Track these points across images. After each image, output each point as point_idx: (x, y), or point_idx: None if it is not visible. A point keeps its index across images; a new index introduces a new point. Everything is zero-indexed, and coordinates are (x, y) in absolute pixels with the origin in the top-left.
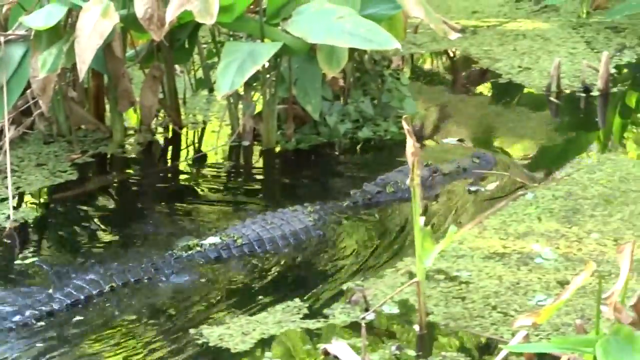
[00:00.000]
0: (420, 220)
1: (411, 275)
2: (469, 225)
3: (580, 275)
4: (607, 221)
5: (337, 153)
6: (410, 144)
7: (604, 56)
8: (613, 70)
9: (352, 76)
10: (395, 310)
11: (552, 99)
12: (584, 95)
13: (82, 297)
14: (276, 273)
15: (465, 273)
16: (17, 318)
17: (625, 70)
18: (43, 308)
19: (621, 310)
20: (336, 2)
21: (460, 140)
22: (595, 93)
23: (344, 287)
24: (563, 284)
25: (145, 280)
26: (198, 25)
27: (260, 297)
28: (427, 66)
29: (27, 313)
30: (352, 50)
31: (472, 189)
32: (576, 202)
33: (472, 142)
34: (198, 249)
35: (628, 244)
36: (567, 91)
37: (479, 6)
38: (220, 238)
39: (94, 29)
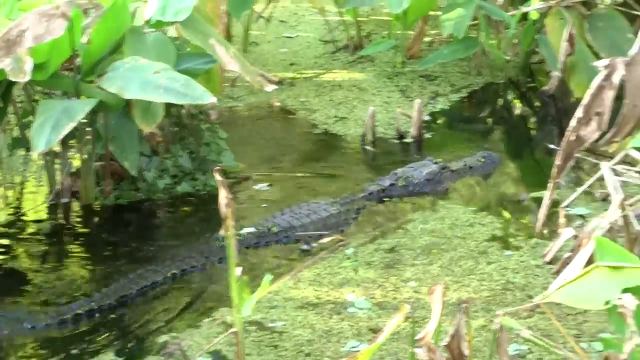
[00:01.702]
0: (236, 271)
1: (226, 325)
2: (286, 277)
3: (394, 319)
4: (427, 269)
5: (156, 209)
6: (223, 195)
7: (417, 104)
8: (427, 118)
9: (169, 131)
10: None
11: (367, 147)
12: (398, 142)
13: (149, 283)
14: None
15: (279, 322)
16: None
17: (440, 117)
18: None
19: (435, 351)
20: (152, 57)
21: (270, 185)
22: (409, 140)
23: (160, 339)
24: (375, 330)
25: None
26: (12, 84)
27: None
28: (246, 119)
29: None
30: (169, 105)
31: (304, 247)
32: (398, 253)
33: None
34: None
35: (439, 286)
36: (382, 139)
37: (296, 58)
38: (256, 227)
39: None
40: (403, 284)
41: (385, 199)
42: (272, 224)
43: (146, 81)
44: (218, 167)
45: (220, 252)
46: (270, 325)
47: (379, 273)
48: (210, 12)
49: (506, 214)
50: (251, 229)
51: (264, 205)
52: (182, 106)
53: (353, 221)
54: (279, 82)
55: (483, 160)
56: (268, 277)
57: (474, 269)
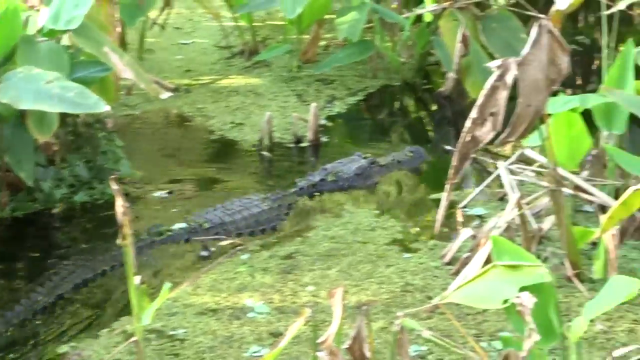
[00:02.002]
0: (135, 279)
1: (127, 334)
2: (185, 283)
3: (295, 323)
4: (325, 274)
5: (53, 219)
6: (120, 203)
7: (313, 108)
8: (324, 122)
9: (65, 140)
10: None
11: (264, 152)
12: (295, 147)
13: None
14: None
15: (180, 330)
16: None
17: (337, 121)
18: None
19: (336, 354)
20: (45, 66)
21: (170, 192)
22: (305, 144)
23: (60, 349)
24: (276, 335)
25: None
26: None
27: None
28: (142, 126)
29: None
30: (64, 114)
31: (204, 254)
32: (295, 259)
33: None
34: (169, 233)
35: (339, 289)
36: (279, 144)
37: (191, 65)
38: (188, 223)
39: None
40: (301, 289)
41: (315, 194)
42: (204, 220)
43: (40, 91)
44: (114, 176)
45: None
46: (171, 332)
47: (276, 278)
48: (103, 20)
49: (407, 217)
50: (182, 225)
51: (163, 212)
52: (77, 115)
53: (285, 217)
54: (175, 89)
55: (411, 154)
56: (167, 285)
57: (373, 273)
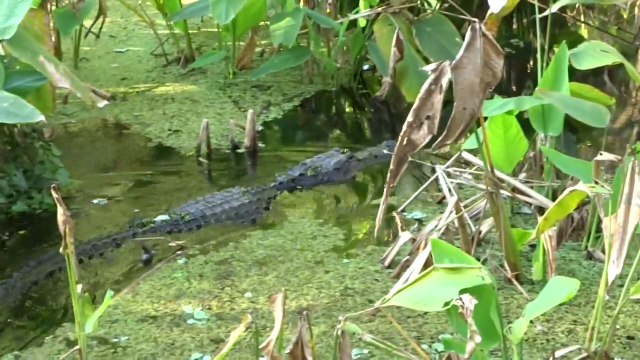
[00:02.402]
0: (77, 288)
1: (69, 342)
2: (125, 290)
3: (237, 329)
4: (263, 280)
5: None
6: (61, 212)
7: (250, 114)
8: (260, 128)
9: (2, 150)
10: None
11: (201, 159)
12: (232, 153)
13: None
14: None
15: (122, 337)
16: None
17: (273, 127)
18: None
19: (278, 359)
20: None
21: (110, 199)
22: (243, 150)
23: (3, 359)
24: (217, 341)
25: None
26: None
27: None
28: (80, 135)
29: None
30: (0, 124)
31: (144, 257)
32: (230, 265)
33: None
34: (152, 225)
35: (280, 294)
36: (217, 150)
37: (127, 73)
38: (170, 215)
39: None
40: (239, 295)
41: (295, 189)
42: (185, 213)
43: None
44: (54, 185)
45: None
46: (114, 340)
47: (213, 284)
48: (38, 29)
49: (347, 223)
50: (165, 217)
51: (103, 220)
52: (14, 124)
53: (265, 211)
54: (112, 97)
55: (387, 149)
56: (110, 292)
57: (311, 278)
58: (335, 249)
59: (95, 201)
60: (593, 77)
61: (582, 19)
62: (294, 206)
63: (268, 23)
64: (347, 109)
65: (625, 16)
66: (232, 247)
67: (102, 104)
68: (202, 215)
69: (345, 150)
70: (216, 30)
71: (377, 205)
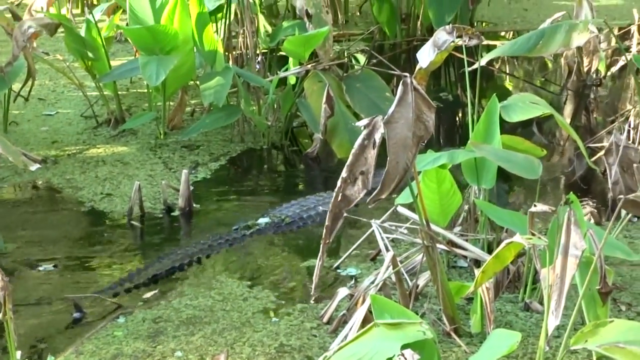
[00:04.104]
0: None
1: None
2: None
3: None
4: (190, 340)
5: None
6: None
7: (184, 174)
8: (191, 188)
9: None
10: None
11: (134, 222)
12: (166, 215)
13: (185, 262)
14: None
15: None
16: None
17: (203, 187)
18: None
19: None
20: None
21: (55, 266)
22: (177, 212)
23: None
24: None
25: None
26: None
27: None
28: (12, 199)
29: None
30: None
31: (76, 316)
32: (159, 325)
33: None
34: (257, 227)
35: (222, 354)
36: (150, 213)
37: (58, 136)
38: (270, 218)
39: None
40: (170, 354)
41: None
42: (285, 215)
43: None
44: None
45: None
46: None
47: (147, 343)
48: None
49: (279, 282)
50: (267, 220)
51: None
52: None
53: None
54: (43, 161)
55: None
56: (50, 358)
57: (241, 338)
58: (265, 309)
59: (31, 265)
60: (522, 128)
61: (508, 71)
62: (226, 265)
63: (198, 82)
64: (279, 167)
65: (550, 67)
66: (164, 305)
67: (33, 167)
68: (300, 217)
69: None
70: (146, 90)
71: (311, 263)
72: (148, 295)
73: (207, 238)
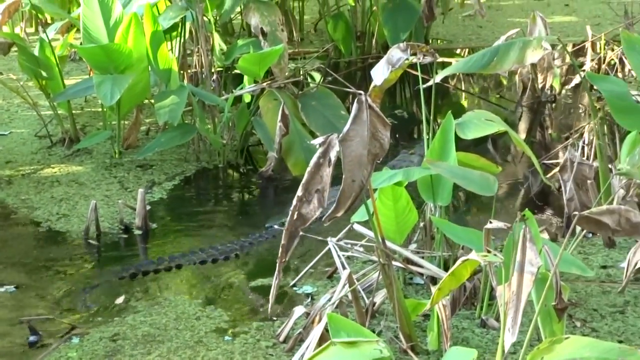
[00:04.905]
0: None
1: None
2: None
3: None
4: (146, 359)
5: None
6: None
7: (140, 194)
8: (148, 207)
9: None
10: None
11: (91, 241)
12: (123, 234)
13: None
14: None
15: None
16: None
17: (160, 206)
18: None
19: None
20: None
21: (17, 287)
22: (134, 231)
23: None
24: None
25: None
26: None
27: None
28: None
29: None
30: None
31: (32, 339)
32: (117, 344)
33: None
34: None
35: None
36: (108, 232)
37: (11, 156)
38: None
39: None
40: None
41: None
42: None
43: None
44: None
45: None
46: None
47: None
48: None
49: (234, 301)
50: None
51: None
52: None
53: None
54: None
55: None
56: None
57: (195, 357)
58: (222, 326)
59: (2, 289)
60: (474, 146)
61: (463, 88)
62: (179, 284)
63: (152, 101)
64: (234, 185)
65: (505, 84)
66: (118, 322)
67: None
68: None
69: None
70: (100, 109)
71: (267, 282)
72: (102, 313)
73: (247, 236)
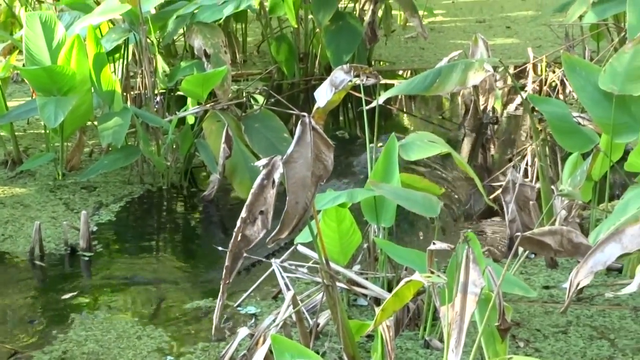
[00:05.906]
0: None
1: None
2: None
3: None
4: None
5: None
6: None
7: (83, 216)
8: (95, 229)
9: None
10: None
11: (36, 262)
12: (68, 255)
13: None
14: None
15: None
16: None
17: (107, 228)
18: None
19: None
20: None
21: None
22: (80, 253)
23: None
24: None
25: None
26: None
27: None
28: None
29: None
30: None
31: None
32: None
33: None
34: None
35: None
36: (53, 254)
37: None
38: None
39: None
40: None
41: None
42: None
43: None
44: None
45: None
46: None
47: None
48: None
49: (176, 323)
50: None
51: None
52: None
53: None
54: None
55: None
56: None
57: None
58: (164, 348)
59: None
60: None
61: (406, 110)
62: (120, 303)
63: (96, 123)
64: (178, 208)
65: (447, 105)
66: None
67: None
68: None
69: None
70: (43, 131)
71: (212, 302)
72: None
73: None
